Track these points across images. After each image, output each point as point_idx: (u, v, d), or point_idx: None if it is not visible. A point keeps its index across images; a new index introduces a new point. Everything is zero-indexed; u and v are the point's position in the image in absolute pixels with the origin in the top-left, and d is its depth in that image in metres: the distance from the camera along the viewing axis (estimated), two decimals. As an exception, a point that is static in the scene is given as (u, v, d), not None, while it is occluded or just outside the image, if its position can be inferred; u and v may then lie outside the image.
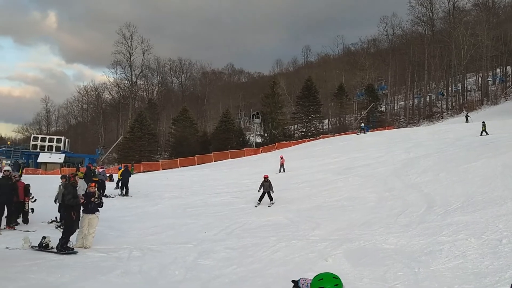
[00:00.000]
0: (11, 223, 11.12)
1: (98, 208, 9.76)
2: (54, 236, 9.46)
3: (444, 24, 73.63)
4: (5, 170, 11.69)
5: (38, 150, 59.93)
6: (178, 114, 67.27)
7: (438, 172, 17.80)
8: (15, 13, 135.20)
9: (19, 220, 11.68)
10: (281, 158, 27.56)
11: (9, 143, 77.12)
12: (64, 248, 8.97)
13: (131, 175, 21.47)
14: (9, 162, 44.02)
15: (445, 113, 67.03)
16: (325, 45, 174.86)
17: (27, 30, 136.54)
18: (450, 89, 70.53)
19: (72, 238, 9.36)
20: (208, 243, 10.36)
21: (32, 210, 12.08)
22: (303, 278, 3.31)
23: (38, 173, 43.64)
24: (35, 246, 9.13)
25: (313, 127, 66.85)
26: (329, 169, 23.83)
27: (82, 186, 11.92)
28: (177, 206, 16.71)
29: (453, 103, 69.15)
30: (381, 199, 15.16)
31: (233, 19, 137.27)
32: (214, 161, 44.89)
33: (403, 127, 62.29)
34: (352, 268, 7.95)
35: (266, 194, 16.31)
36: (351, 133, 52.05)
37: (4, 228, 10.83)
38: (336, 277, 2.79)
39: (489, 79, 68.91)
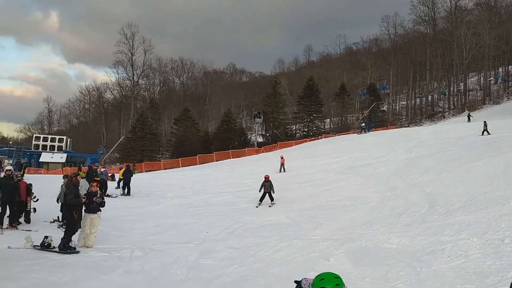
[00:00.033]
0: (14, 223, 11.14)
1: (100, 208, 9.78)
2: (56, 235, 9.47)
3: (446, 23, 73.47)
4: (7, 170, 11.72)
5: (40, 149, 59.99)
6: (180, 113, 67.32)
7: (440, 171, 17.76)
8: (17, 13, 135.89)
9: (21, 219, 11.70)
10: (281, 158, 27.57)
11: (11, 142, 77.37)
12: (66, 247, 8.99)
13: (133, 174, 21.51)
14: (11, 161, 44.17)
15: (447, 113, 66.89)
16: (326, 44, 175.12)
17: (29, 30, 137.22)
18: (452, 88, 70.36)
19: (74, 237, 9.38)
20: (210, 242, 10.37)
21: (34, 209, 12.09)
22: (305, 278, 3.30)
23: (40, 173, 43.71)
24: (37, 246, 9.15)
25: (314, 127, 66.83)
26: (331, 169, 23.82)
27: (84, 186, 11.95)
28: (178, 205, 16.73)
29: (455, 103, 69.00)
30: (383, 198, 15.14)
31: (234, 18, 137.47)
32: (216, 161, 44.89)
33: (405, 126, 62.19)
34: (354, 268, 7.94)
35: (267, 194, 16.21)
36: (353, 133, 52.00)
37: (7, 228, 10.86)
38: (337, 277, 2.78)
39: (491, 78, 68.73)
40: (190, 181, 25.04)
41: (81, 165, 38.53)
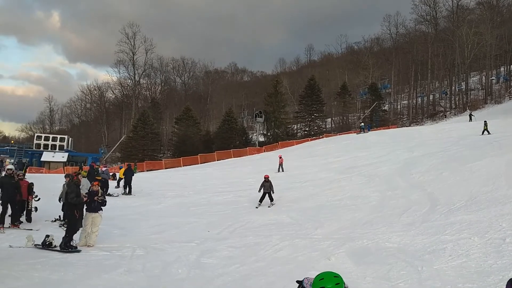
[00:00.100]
0: (15, 222, 11.16)
1: (101, 207, 9.79)
2: (58, 234, 9.48)
3: (448, 22, 73.35)
4: (8, 169, 11.74)
5: (41, 149, 60.06)
6: (181, 113, 67.35)
7: (442, 171, 17.75)
8: (19, 13, 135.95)
9: (23, 218, 11.73)
10: (280, 157, 27.60)
11: (12, 142, 77.48)
12: (67, 246, 9.00)
13: (134, 174, 21.53)
14: (12, 161, 44.23)
15: (448, 112, 66.80)
16: (328, 44, 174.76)
17: (31, 30, 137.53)
18: (453, 88, 70.23)
19: (76, 236, 9.39)
20: (211, 241, 10.38)
21: (36, 208, 12.11)
22: (307, 278, 3.29)
23: (42, 172, 43.78)
24: (39, 245, 9.16)
25: (316, 126, 66.81)
26: (332, 168, 23.82)
27: (85, 185, 11.98)
28: (180, 205, 16.74)
29: (457, 102, 68.90)
30: (384, 198, 15.13)
31: (235, 18, 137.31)
32: (217, 160, 44.89)
33: (407, 126, 62.16)
34: (355, 267, 7.93)
35: (267, 194, 16.07)
36: (354, 132, 51.98)
37: (9, 227, 10.88)
38: (337, 276, 2.77)
39: (493, 78, 68.60)
40: (191, 180, 25.06)
41: (83, 165, 38.62)
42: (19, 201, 11.41)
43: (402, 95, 77.81)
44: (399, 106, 76.98)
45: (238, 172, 28.45)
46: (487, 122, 29.12)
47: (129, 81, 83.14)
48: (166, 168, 44.21)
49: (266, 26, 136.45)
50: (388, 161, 22.94)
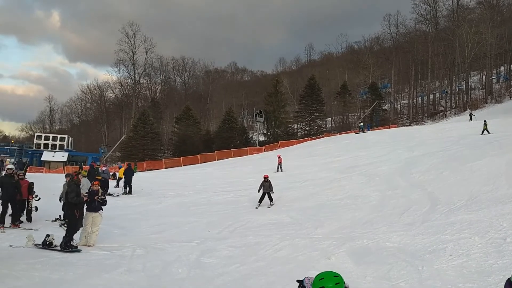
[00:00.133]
0: (16, 221, 11.16)
1: (102, 207, 9.79)
2: (58, 234, 9.48)
3: (448, 22, 73.33)
4: (8, 168, 11.73)
5: (41, 148, 60.05)
6: (181, 112, 67.33)
7: (442, 170, 17.74)
8: (19, 13, 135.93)
9: (23, 218, 11.72)
10: (279, 157, 27.59)
11: (12, 141, 77.39)
12: (67, 246, 9.00)
13: (134, 173, 21.53)
14: (13, 160, 44.21)
15: (449, 112, 66.77)
16: (328, 43, 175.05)
17: (31, 29, 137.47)
18: (454, 87, 70.20)
19: (76, 236, 9.39)
20: (211, 241, 10.38)
21: (36, 208, 12.11)
22: (307, 277, 3.29)
23: (42, 172, 43.76)
24: (39, 244, 9.16)
25: (316, 126, 66.80)
26: (332, 168, 23.81)
27: (85, 185, 11.97)
28: (180, 204, 16.74)
29: (457, 102, 68.87)
30: (385, 197, 15.12)
31: (235, 18, 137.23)
32: (217, 160, 44.88)
33: (407, 125, 62.12)
34: (355, 267, 7.93)
35: (266, 194, 16.00)
36: (354, 132, 51.97)
37: (9, 226, 10.88)
38: (337, 275, 2.76)
39: (493, 77, 68.55)
40: (191, 180, 25.06)
41: (83, 164, 38.61)
42: (19, 201, 11.40)
43: (402, 95, 77.76)
44: (399, 105, 76.93)
45: (238, 172, 28.45)
46: (486, 121, 29.10)
47: (129, 80, 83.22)
48: (166, 168, 44.20)
49: (266, 26, 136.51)
50: (388, 161, 22.93)
